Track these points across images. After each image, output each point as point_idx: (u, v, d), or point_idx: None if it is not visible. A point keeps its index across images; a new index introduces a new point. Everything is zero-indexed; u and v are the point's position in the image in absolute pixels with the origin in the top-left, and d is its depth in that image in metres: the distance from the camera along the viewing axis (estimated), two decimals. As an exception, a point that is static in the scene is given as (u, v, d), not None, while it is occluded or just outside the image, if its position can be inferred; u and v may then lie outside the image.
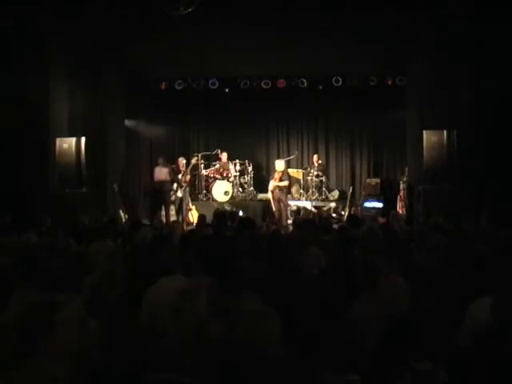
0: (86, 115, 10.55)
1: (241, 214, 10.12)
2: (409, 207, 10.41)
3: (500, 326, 2.58)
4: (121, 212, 10.68)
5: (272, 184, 11.37)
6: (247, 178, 12.79)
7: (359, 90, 12.68)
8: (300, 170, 13.35)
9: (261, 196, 12.66)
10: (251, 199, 12.56)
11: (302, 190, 13.07)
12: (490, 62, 8.63)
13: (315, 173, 13.04)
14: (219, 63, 11.59)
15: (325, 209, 12.12)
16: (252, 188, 12.78)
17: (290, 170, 13.38)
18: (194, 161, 11.95)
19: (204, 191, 12.72)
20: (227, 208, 11.13)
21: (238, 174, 12.71)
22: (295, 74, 12.70)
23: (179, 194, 11.36)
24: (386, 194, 11.95)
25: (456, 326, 2.92)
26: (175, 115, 14.37)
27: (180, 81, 12.84)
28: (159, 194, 11.24)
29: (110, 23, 9.46)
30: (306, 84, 12.74)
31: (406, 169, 11.46)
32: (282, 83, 12.82)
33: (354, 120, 13.97)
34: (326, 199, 13.02)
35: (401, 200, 11.24)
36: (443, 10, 8.75)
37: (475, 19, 8.52)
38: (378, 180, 12.51)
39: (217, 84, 12.88)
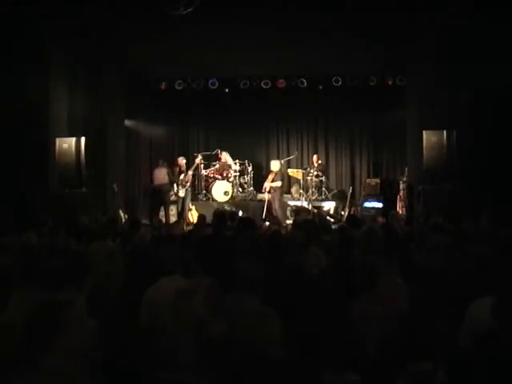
0: (86, 115, 10.54)
1: (240, 214, 10.11)
2: (409, 207, 10.41)
3: (500, 326, 2.58)
4: (120, 212, 10.68)
5: (265, 184, 11.49)
6: (247, 178, 12.78)
7: (359, 90, 12.69)
8: (300, 170, 13.35)
9: (260, 196, 12.64)
10: (251, 199, 12.56)
11: (301, 190, 13.06)
12: (490, 62, 8.61)
13: (315, 173, 13.05)
14: (219, 63, 11.59)
15: (325, 209, 12.14)
16: (252, 188, 12.78)
17: (289, 170, 13.42)
18: (197, 160, 11.97)
19: (204, 191, 12.73)
20: (227, 208, 11.13)
21: (237, 167, 12.65)
22: (295, 74, 12.71)
23: (181, 193, 11.37)
24: (386, 194, 11.97)
25: (456, 326, 2.92)
26: (175, 115, 14.38)
27: (180, 81, 12.86)
28: (158, 194, 11.25)
29: (110, 23, 9.44)
30: (305, 84, 12.75)
31: (406, 169, 11.47)
32: (281, 83, 12.83)
33: (353, 120, 13.97)
34: (326, 199, 13.03)
35: (401, 200, 11.24)
36: (443, 10, 8.74)
37: (475, 19, 8.51)
38: (377, 180, 12.53)
39: (217, 84, 12.89)
